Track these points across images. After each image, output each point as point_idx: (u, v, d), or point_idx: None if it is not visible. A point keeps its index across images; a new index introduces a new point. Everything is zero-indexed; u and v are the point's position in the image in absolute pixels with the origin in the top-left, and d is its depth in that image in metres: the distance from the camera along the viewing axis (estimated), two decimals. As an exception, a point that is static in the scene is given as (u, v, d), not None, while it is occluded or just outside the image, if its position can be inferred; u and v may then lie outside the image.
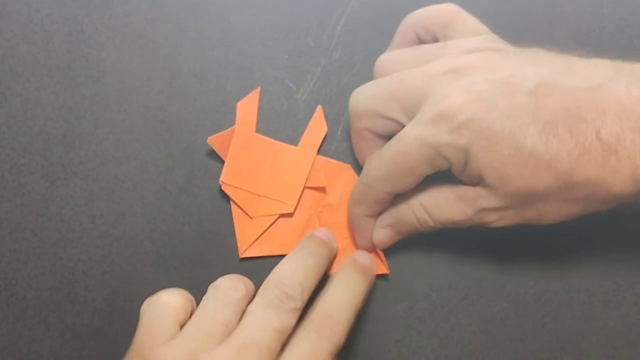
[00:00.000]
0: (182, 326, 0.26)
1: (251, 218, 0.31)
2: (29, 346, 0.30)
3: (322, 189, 0.32)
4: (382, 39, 0.32)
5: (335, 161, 0.32)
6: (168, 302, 0.27)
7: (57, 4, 0.32)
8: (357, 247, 0.31)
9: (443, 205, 0.28)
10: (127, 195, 0.31)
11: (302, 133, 0.32)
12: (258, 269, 0.31)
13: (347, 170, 0.32)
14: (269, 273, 0.31)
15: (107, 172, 0.31)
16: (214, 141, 0.31)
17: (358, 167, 0.32)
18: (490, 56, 0.26)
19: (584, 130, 0.24)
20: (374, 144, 0.29)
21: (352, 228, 0.31)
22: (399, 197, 0.29)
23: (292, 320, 0.26)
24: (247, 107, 0.32)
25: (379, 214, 0.30)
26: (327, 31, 0.33)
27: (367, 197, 0.29)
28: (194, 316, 0.26)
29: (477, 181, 0.26)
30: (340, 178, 0.32)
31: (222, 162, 0.31)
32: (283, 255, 0.31)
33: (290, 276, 0.27)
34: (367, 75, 0.32)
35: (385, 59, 0.30)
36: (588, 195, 0.25)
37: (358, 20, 0.33)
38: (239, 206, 0.31)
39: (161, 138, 0.32)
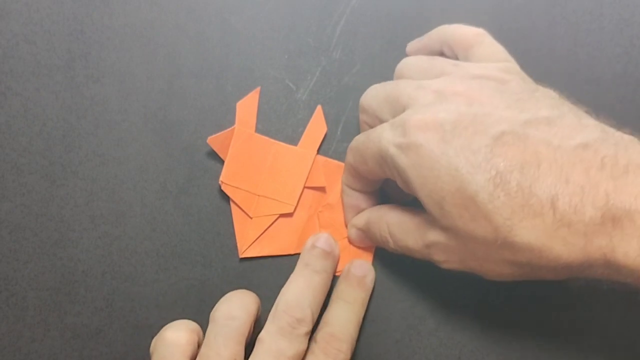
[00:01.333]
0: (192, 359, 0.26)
1: (251, 218, 0.31)
2: (29, 346, 0.30)
3: (322, 189, 0.32)
4: (382, 39, 0.32)
5: (335, 161, 0.32)
6: (174, 340, 0.27)
7: (57, 4, 0.32)
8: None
9: (403, 230, 0.28)
10: (127, 195, 0.31)
11: (302, 133, 0.32)
12: (258, 268, 0.31)
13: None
14: (268, 273, 0.31)
15: (107, 172, 0.31)
16: (214, 141, 0.31)
17: (358, 167, 0.32)
18: (484, 87, 0.25)
19: (537, 192, 0.22)
20: None
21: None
22: (375, 209, 0.30)
23: (304, 345, 0.27)
24: (247, 107, 0.32)
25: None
26: (327, 31, 0.33)
27: (346, 166, 0.30)
28: (200, 354, 0.26)
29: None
30: (340, 178, 0.32)
31: (222, 162, 0.31)
32: (283, 256, 0.31)
33: (298, 299, 0.27)
34: (367, 75, 0.32)
35: (403, 63, 0.30)
36: (531, 260, 0.23)
37: (358, 20, 0.33)
38: (238, 206, 0.31)
39: (161, 138, 0.32)
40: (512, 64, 0.28)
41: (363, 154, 0.28)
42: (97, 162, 0.31)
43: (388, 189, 0.31)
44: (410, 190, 0.25)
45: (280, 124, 0.32)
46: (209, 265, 0.31)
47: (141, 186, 0.31)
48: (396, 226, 0.28)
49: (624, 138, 0.23)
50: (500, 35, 0.29)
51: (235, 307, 0.27)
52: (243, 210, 0.31)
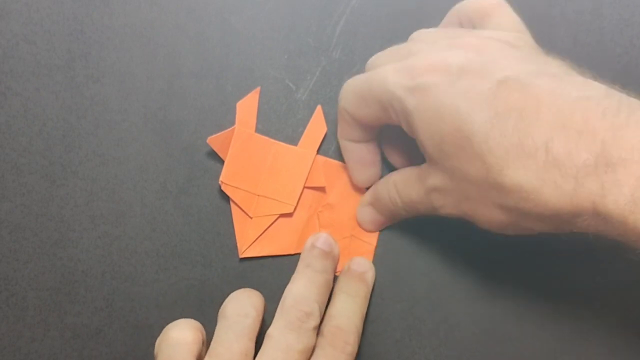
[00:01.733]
0: (198, 359, 0.26)
1: (251, 218, 0.31)
2: (29, 346, 0.30)
3: (321, 189, 0.32)
4: (382, 39, 0.32)
5: (335, 161, 0.32)
6: (179, 339, 0.26)
7: (57, 4, 0.32)
8: (352, 181, 0.32)
9: (407, 184, 0.28)
10: (127, 195, 0.31)
11: (302, 133, 0.32)
12: (258, 268, 0.31)
13: (347, 170, 0.32)
14: (269, 273, 0.31)
15: (107, 172, 0.31)
16: (214, 141, 0.31)
17: (358, 167, 0.32)
18: (493, 45, 0.26)
19: (533, 134, 0.22)
20: None
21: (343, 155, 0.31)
22: (381, 180, 0.30)
23: (313, 340, 0.27)
24: (247, 107, 0.32)
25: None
26: (327, 31, 0.33)
27: (340, 117, 0.30)
28: (210, 350, 0.26)
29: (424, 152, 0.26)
30: (340, 178, 0.32)
31: (222, 162, 0.31)
32: (283, 256, 0.31)
33: (305, 295, 0.27)
34: (367, 75, 0.32)
35: (416, 32, 0.30)
36: (518, 204, 0.23)
37: (358, 20, 0.33)
38: (238, 206, 0.31)
39: (161, 138, 0.32)
40: (527, 36, 0.28)
41: (365, 97, 0.27)
42: (97, 162, 0.31)
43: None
44: (413, 132, 0.26)
45: (280, 124, 0.32)
46: (209, 265, 0.31)
47: (141, 186, 0.31)
48: (401, 182, 0.29)
49: (629, 97, 0.23)
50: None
51: (246, 305, 0.27)
52: (243, 210, 0.31)
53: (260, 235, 0.31)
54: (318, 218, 0.32)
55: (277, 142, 0.32)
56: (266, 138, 0.32)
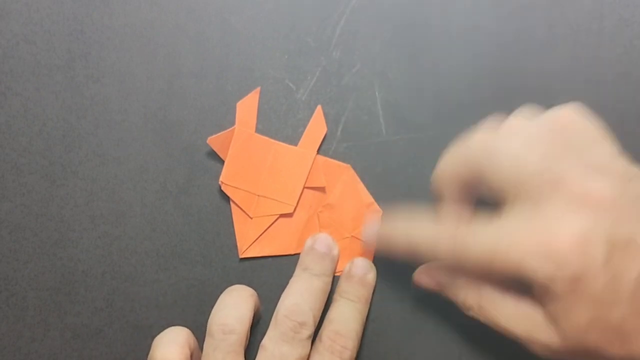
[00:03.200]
0: None
1: (251, 218, 0.31)
2: (29, 346, 0.30)
3: (322, 189, 0.32)
4: (382, 39, 0.32)
5: (335, 161, 0.32)
6: (166, 358, 0.26)
7: (57, 4, 0.32)
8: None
9: (499, 307, 0.26)
10: (127, 195, 0.31)
11: (302, 133, 0.32)
12: (258, 269, 0.31)
13: (347, 170, 0.32)
14: (269, 273, 0.31)
15: (107, 172, 0.31)
16: (214, 141, 0.31)
17: (358, 167, 0.32)
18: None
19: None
20: None
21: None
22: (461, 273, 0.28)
23: (307, 349, 0.27)
24: (247, 107, 0.32)
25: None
26: (327, 31, 0.33)
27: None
28: None
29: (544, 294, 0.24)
30: (340, 178, 0.32)
31: (222, 162, 0.31)
32: (283, 256, 0.31)
33: (299, 303, 0.27)
34: (367, 75, 0.32)
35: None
36: None
37: (358, 20, 0.33)
38: (238, 206, 0.31)
39: (161, 138, 0.32)
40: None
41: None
42: (97, 162, 0.31)
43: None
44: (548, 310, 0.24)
45: (280, 124, 0.32)
46: (209, 265, 0.31)
47: (141, 186, 0.31)
48: (490, 301, 0.26)
49: None
50: (499, 35, 0.29)
51: (230, 318, 0.27)
52: (243, 210, 0.31)
53: (260, 235, 0.31)
54: (318, 218, 0.32)
55: (277, 142, 0.32)
56: (266, 138, 0.32)
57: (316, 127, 0.32)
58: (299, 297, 0.28)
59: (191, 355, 0.27)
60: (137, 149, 0.32)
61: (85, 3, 0.32)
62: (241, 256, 0.31)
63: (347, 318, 0.28)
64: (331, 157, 0.32)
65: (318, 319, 0.28)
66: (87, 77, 0.32)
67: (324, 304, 0.29)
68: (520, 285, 0.24)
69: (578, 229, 0.23)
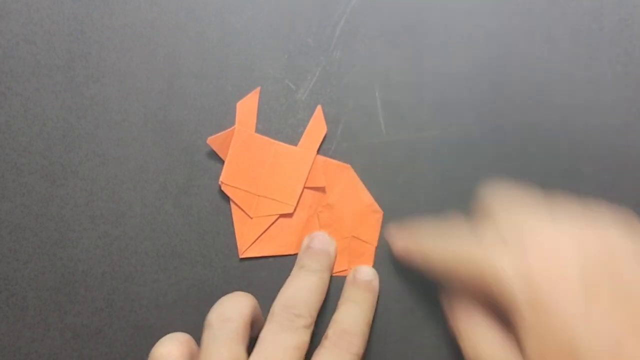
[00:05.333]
0: None
1: (251, 218, 0.31)
2: (29, 346, 0.30)
3: (322, 189, 0.32)
4: (382, 39, 0.32)
5: (335, 161, 0.32)
6: (165, 355, 0.26)
7: (57, 4, 0.32)
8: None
9: (482, 346, 0.27)
10: (127, 195, 0.31)
11: (302, 133, 0.32)
12: (258, 269, 0.31)
13: (347, 170, 0.32)
14: (269, 273, 0.31)
15: (107, 172, 0.31)
16: (214, 141, 0.31)
17: (358, 167, 0.32)
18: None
19: None
20: None
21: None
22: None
23: (306, 337, 0.27)
24: (247, 107, 0.32)
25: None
26: (327, 31, 0.33)
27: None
28: None
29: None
30: (340, 178, 0.32)
31: (222, 162, 0.31)
32: (283, 256, 0.31)
33: (294, 298, 0.27)
34: (367, 75, 0.32)
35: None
36: None
37: (358, 20, 0.33)
38: (238, 206, 0.31)
39: (161, 138, 0.32)
40: None
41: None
42: (97, 162, 0.31)
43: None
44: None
45: (280, 124, 0.32)
46: (209, 265, 0.31)
47: (141, 186, 0.31)
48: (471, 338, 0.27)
49: None
50: (499, 35, 0.29)
51: (229, 310, 0.27)
52: (243, 211, 0.31)
53: (261, 235, 0.31)
54: (318, 218, 0.32)
55: (277, 142, 0.32)
56: (266, 138, 0.32)
57: (316, 127, 0.32)
58: (294, 293, 0.28)
59: (191, 358, 0.26)
60: (137, 149, 0.32)
61: (85, 3, 0.32)
62: (241, 256, 0.31)
63: (353, 318, 0.28)
64: (331, 157, 0.32)
65: (316, 315, 0.28)
66: (87, 77, 0.32)
67: (321, 300, 0.29)
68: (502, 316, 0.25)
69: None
